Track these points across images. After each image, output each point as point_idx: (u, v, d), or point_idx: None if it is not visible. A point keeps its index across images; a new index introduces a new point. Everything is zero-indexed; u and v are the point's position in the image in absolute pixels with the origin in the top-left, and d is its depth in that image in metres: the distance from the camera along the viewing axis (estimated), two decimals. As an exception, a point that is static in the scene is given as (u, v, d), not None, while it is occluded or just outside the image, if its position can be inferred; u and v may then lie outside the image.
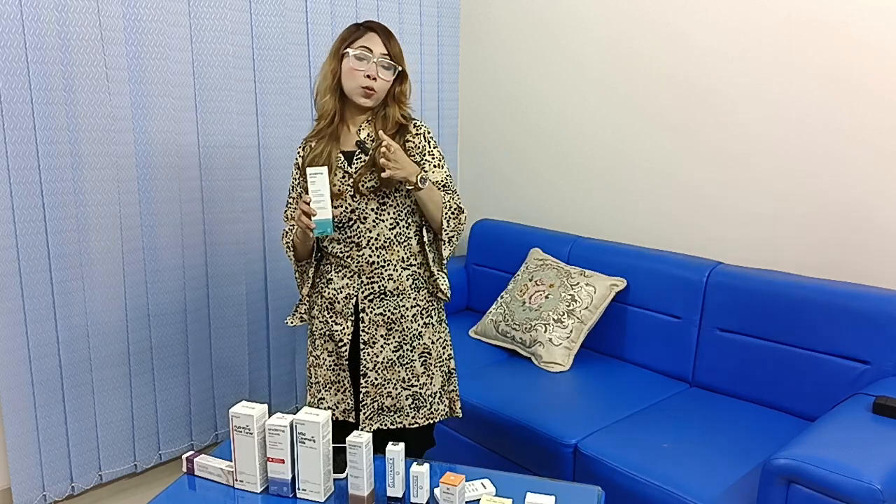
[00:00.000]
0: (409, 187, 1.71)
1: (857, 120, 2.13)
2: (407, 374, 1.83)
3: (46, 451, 2.28)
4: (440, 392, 1.89)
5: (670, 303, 2.42)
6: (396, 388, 1.83)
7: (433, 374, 1.87)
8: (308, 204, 1.64)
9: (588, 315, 2.48)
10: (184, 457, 1.71)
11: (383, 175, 1.65)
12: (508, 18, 3.08)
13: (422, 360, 1.85)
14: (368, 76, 1.72)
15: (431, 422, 1.88)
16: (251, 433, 1.59)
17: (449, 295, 1.89)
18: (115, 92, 2.25)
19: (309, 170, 1.64)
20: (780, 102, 2.28)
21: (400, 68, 1.77)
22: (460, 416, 1.98)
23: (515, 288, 2.70)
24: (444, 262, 1.87)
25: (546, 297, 2.56)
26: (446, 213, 1.78)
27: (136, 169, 2.35)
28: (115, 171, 2.29)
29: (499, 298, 2.76)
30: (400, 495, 1.55)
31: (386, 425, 1.84)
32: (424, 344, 1.85)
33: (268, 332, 2.81)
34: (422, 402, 1.86)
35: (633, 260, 2.54)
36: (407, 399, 1.84)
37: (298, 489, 1.60)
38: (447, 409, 1.92)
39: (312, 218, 1.64)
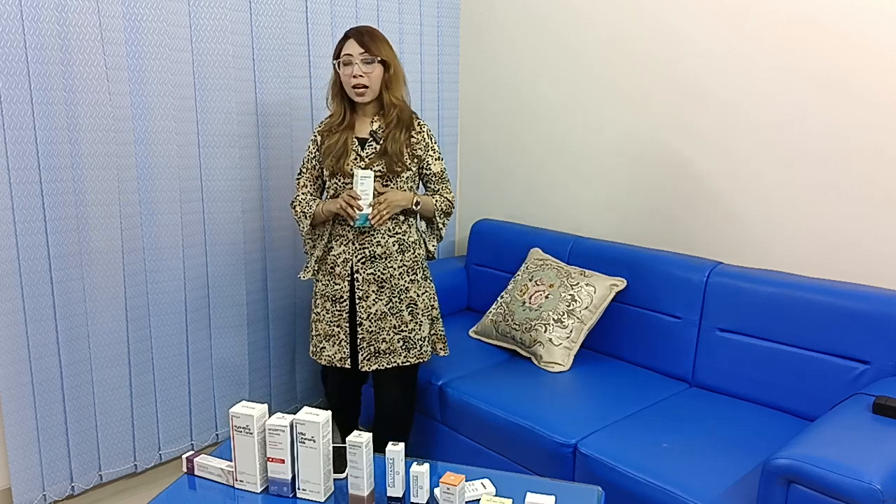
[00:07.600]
0: (410, 208, 2.14)
1: (857, 121, 2.13)
2: (397, 322, 2.18)
3: (46, 451, 2.28)
4: (428, 336, 2.26)
5: (670, 303, 2.42)
6: (389, 334, 2.17)
7: (421, 321, 2.23)
8: (358, 199, 2.01)
9: (588, 315, 2.48)
10: (184, 457, 1.71)
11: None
12: (508, 18, 3.08)
13: (409, 310, 2.20)
14: (355, 76, 2.07)
15: (420, 360, 2.23)
16: (251, 433, 1.59)
17: (434, 254, 2.31)
18: (115, 92, 2.25)
19: (360, 172, 2.01)
20: (782, 103, 2.28)
21: (379, 58, 2.08)
22: (447, 353, 2.35)
23: (515, 288, 2.70)
24: (439, 238, 2.31)
25: (546, 297, 2.56)
26: (438, 213, 2.24)
27: (136, 169, 2.35)
28: (115, 171, 2.29)
29: (499, 298, 2.76)
30: (400, 495, 1.55)
31: (382, 366, 2.18)
32: (411, 297, 2.20)
33: (268, 332, 2.81)
34: (412, 345, 2.21)
35: (633, 260, 2.54)
36: (399, 342, 2.19)
37: (298, 489, 1.60)
38: (431, 350, 2.29)
39: (359, 212, 2.03)
